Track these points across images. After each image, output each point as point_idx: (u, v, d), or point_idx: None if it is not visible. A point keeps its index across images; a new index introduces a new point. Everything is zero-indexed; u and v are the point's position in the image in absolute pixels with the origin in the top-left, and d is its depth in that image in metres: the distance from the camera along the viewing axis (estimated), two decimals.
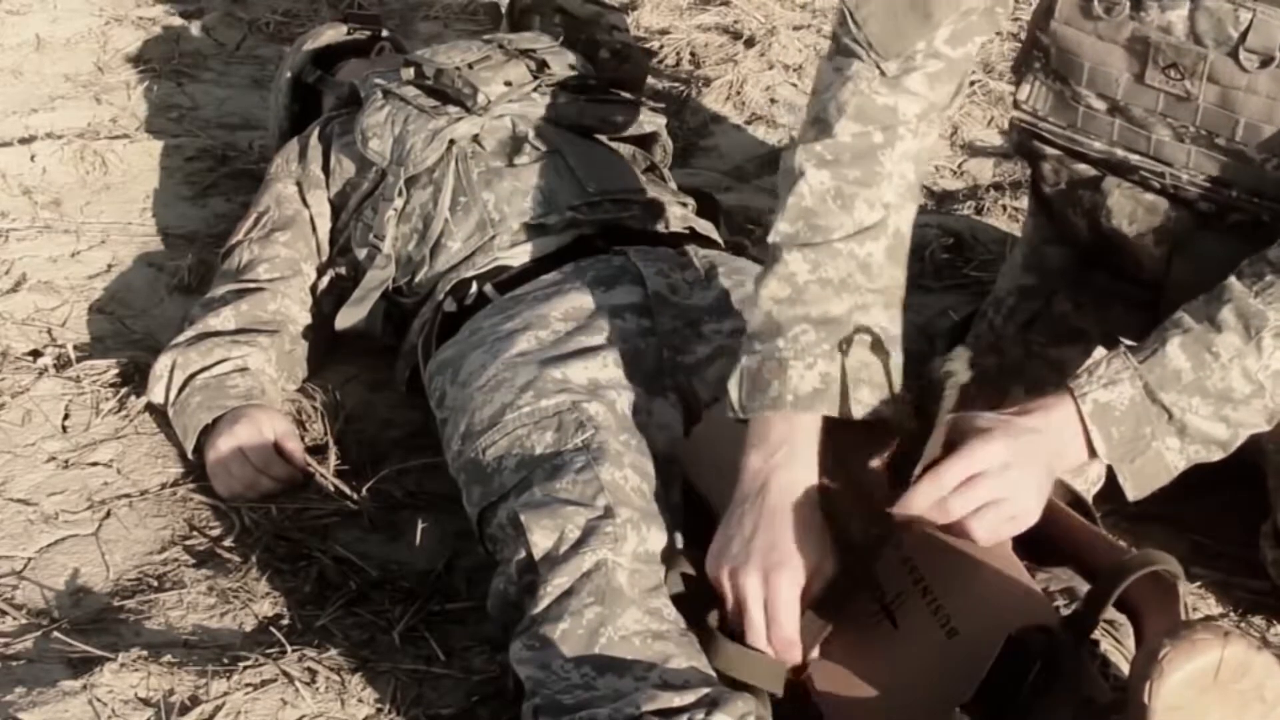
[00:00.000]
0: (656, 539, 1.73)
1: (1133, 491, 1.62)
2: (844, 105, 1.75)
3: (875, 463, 1.71)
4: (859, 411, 1.71)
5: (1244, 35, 1.72)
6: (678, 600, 1.70)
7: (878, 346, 1.74)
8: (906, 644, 1.62)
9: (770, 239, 1.77)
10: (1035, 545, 1.69)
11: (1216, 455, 1.63)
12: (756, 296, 1.75)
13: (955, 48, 1.75)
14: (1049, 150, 1.93)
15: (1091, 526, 1.69)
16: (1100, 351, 1.64)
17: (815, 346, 1.70)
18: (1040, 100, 1.90)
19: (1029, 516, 1.59)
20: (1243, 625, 1.92)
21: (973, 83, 2.28)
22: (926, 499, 1.57)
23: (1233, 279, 1.63)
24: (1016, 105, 1.93)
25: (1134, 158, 1.85)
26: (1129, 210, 1.88)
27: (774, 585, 1.64)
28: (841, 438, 1.73)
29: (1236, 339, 1.59)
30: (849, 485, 1.73)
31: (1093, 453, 1.60)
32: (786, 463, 1.68)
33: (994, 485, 1.57)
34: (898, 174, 1.75)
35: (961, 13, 1.74)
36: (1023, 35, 1.96)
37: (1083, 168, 1.91)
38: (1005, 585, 1.59)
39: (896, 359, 1.75)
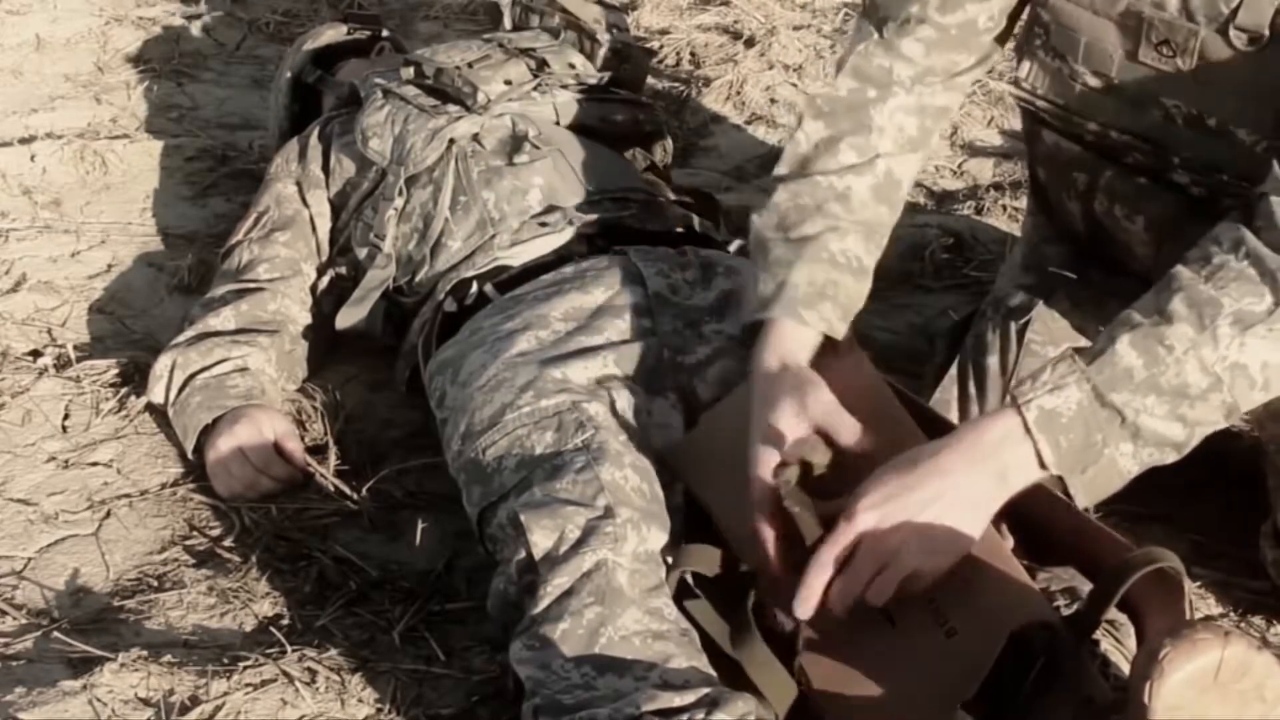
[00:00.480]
0: (657, 539, 1.73)
1: (1084, 500, 1.56)
2: (844, 61, 1.88)
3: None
4: (815, 321, 1.77)
5: (1235, 12, 1.72)
6: (697, 594, 1.70)
7: (853, 271, 1.80)
8: (905, 644, 1.62)
9: (771, 180, 1.88)
10: (1037, 545, 1.70)
11: (1171, 457, 1.55)
12: (750, 225, 1.87)
13: (945, 14, 1.82)
14: (1046, 133, 1.94)
15: (1096, 522, 1.69)
16: (1051, 352, 1.62)
17: (783, 259, 1.80)
18: (1039, 78, 1.92)
19: (939, 561, 1.56)
20: (1243, 625, 1.91)
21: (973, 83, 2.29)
22: (815, 593, 1.57)
23: (1179, 266, 1.56)
24: (1016, 83, 1.95)
25: (1127, 139, 1.85)
26: (1121, 193, 1.88)
27: (811, 403, 1.67)
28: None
29: (1189, 329, 1.51)
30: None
31: (1042, 464, 1.54)
32: (773, 353, 1.76)
33: (873, 556, 1.55)
34: (891, 126, 1.84)
35: None
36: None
37: (1078, 150, 1.91)
38: (1002, 584, 1.59)
39: (863, 289, 1.83)
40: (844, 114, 1.84)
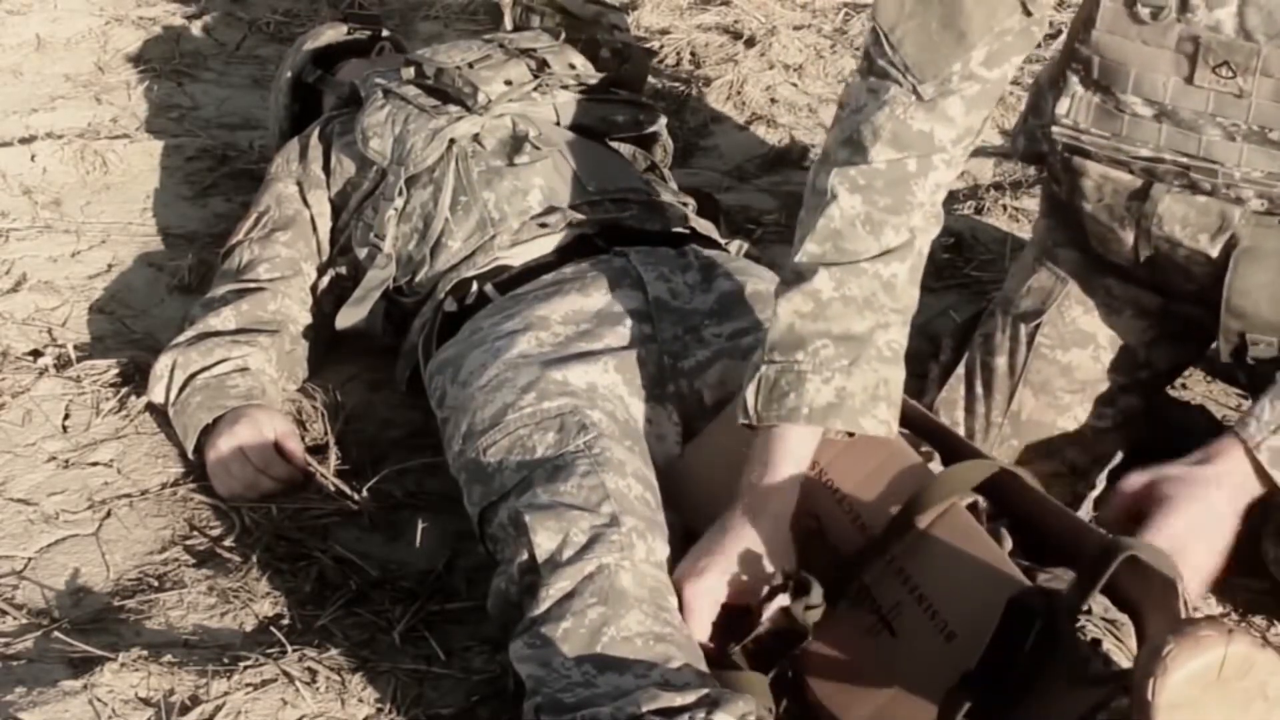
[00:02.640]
0: (661, 549, 1.74)
1: None
2: (879, 130, 1.74)
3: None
4: (873, 427, 1.73)
5: None
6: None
7: (897, 361, 1.76)
8: (906, 652, 1.63)
9: (796, 259, 1.78)
10: (1037, 547, 1.70)
11: None
12: (778, 309, 1.77)
13: (991, 68, 1.74)
14: (1091, 165, 1.91)
15: (1090, 525, 1.70)
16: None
17: (834, 361, 1.73)
18: (1082, 113, 1.88)
19: (1203, 573, 1.69)
20: (1243, 624, 1.91)
21: None
22: None
23: None
24: (1055, 121, 1.91)
25: (1183, 160, 1.84)
26: (1181, 214, 1.87)
27: (688, 593, 1.70)
28: (840, 456, 1.75)
29: None
30: (839, 502, 1.74)
31: (1272, 489, 1.70)
32: (784, 472, 1.73)
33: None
34: (929, 203, 1.77)
35: (996, 34, 1.72)
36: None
37: (1129, 178, 1.90)
38: (996, 585, 1.59)
39: (902, 376, 1.77)
40: (884, 189, 1.74)
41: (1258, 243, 1.84)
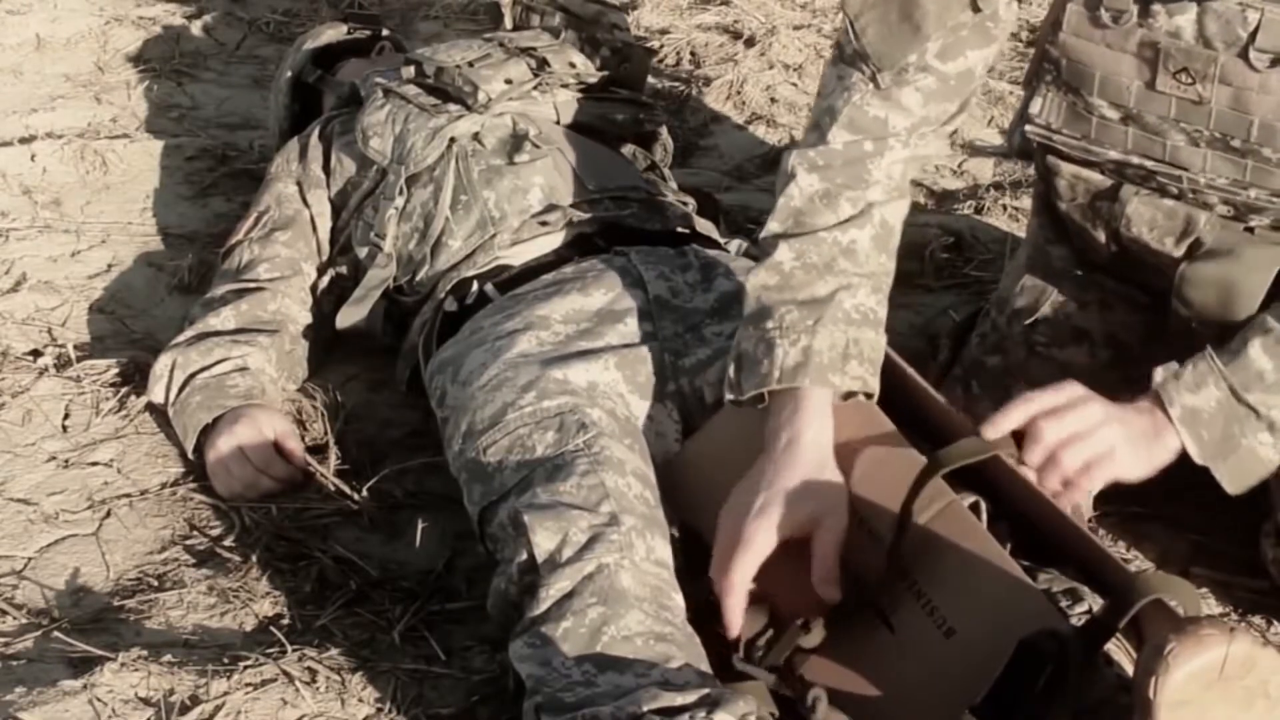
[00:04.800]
0: (662, 548, 1.74)
1: (1231, 487, 1.71)
2: (838, 113, 1.81)
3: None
4: (846, 384, 1.74)
5: (1253, 35, 1.72)
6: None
7: (871, 324, 1.77)
8: (905, 648, 1.63)
9: (761, 236, 1.83)
10: (1037, 546, 1.70)
11: None
12: (746, 287, 1.82)
13: (946, 62, 1.78)
14: (1064, 165, 1.93)
15: (1088, 532, 1.69)
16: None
17: (799, 324, 1.75)
18: (1052, 113, 1.90)
19: (1131, 473, 1.69)
20: (1244, 624, 1.91)
21: None
22: (1014, 421, 1.68)
23: None
24: (1029, 120, 1.93)
25: (1150, 163, 1.85)
26: (1149, 217, 1.88)
27: (819, 531, 1.66)
28: (840, 453, 1.75)
29: None
30: (862, 523, 1.74)
31: (1185, 453, 1.69)
32: (808, 424, 1.72)
33: (1094, 442, 1.66)
34: (885, 178, 1.81)
35: (950, 28, 1.76)
36: (1025, 33, 1.96)
37: (1099, 178, 1.91)
38: (996, 580, 1.59)
39: (882, 340, 1.79)
40: (840, 168, 1.80)
41: (1219, 244, 1.84)
